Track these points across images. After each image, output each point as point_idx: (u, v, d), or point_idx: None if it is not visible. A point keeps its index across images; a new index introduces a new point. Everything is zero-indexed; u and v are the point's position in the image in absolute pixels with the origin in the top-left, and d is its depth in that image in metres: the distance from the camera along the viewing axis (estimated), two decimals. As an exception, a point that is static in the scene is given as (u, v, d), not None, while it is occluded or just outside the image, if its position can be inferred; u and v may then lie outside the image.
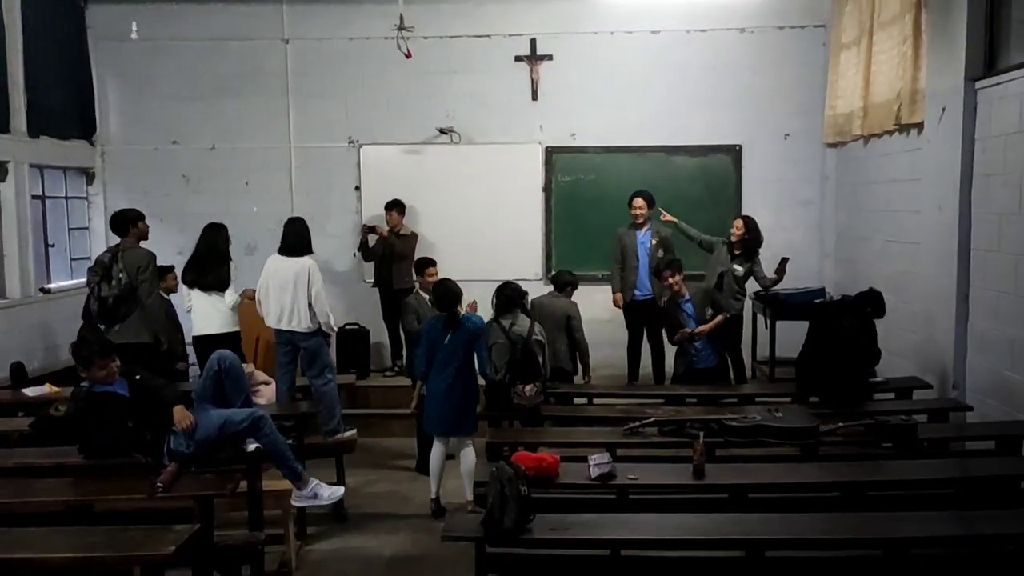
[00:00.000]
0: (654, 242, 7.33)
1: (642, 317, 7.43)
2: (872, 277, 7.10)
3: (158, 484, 4.23)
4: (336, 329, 6.34)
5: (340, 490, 5.03)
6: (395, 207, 7.97)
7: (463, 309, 5.82)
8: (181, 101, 8.58)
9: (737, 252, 7.20)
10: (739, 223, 7.24)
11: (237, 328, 6.53)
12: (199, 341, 6.49)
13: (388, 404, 7.66)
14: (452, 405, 5.62)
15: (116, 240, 6.31)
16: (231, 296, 6.46)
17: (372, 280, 8.16)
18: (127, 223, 6.19)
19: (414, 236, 8.01)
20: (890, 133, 6.90)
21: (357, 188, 8.63)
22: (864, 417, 5.24)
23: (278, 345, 6.24)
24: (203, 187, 8.64)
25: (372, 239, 7.99)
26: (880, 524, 3.89)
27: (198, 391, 4.75)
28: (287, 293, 6.06)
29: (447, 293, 5.72)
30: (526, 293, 6.10)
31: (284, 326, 6.12)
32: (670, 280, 6.49)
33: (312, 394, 6.22)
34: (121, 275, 6.01)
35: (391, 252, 7.87)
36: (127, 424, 4.51)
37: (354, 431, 6.32)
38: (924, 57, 6.23)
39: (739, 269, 7.16)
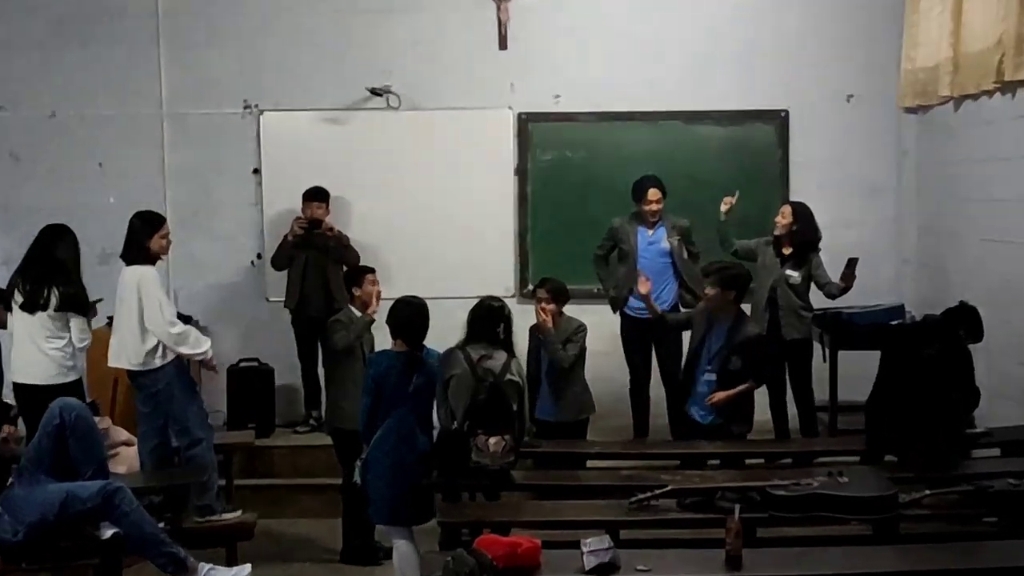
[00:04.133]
0: (675, 243, 7.36)
1: (648, 343, 7.48)
2: (967, 289, 7.15)
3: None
4: (207, 351, 6.25)
5: (246, 569, 5.08)
6: (318, 197, 7.98)
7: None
8: (7, 51, 8.51)
9: (786, 253, 7.24)
10: (786, 210, 7.31)
11: (77, 376, 6.39)
12: (22, 391, 6.38)
13: (301, 472, 7.63)
14: (410, 479, 5.61)
15: None
16: (80, 331, 6.36)
17: (284, 299, 8.11)
18: None
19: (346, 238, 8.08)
20: (990, 94, 6.96)
21: (256, 171, 8.61)
22: (959, 482, 5.25)
23: (135, 394, 6.26)
24: (39, 169, 8.58)
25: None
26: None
27: (30, 456, 4.69)
28: (119, 316, 6.12)
29: (416, 315, 5.75)
30: (511, 313, 6.07)
31: (120, 364, 6.16)
32: (709, 292, 6.50)
33: (183, 460, 6.22)
34: None
35: (319, 260, 7.86)
36: None
37: (238, 512, 6.28)
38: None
39: (794, 275, 7.19)
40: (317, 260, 7.91)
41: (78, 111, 8.56)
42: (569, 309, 6.79)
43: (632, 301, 7.44)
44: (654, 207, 7.41)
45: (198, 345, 6.17)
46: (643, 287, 6.91)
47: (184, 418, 6.16)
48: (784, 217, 7.25)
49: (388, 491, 5.65)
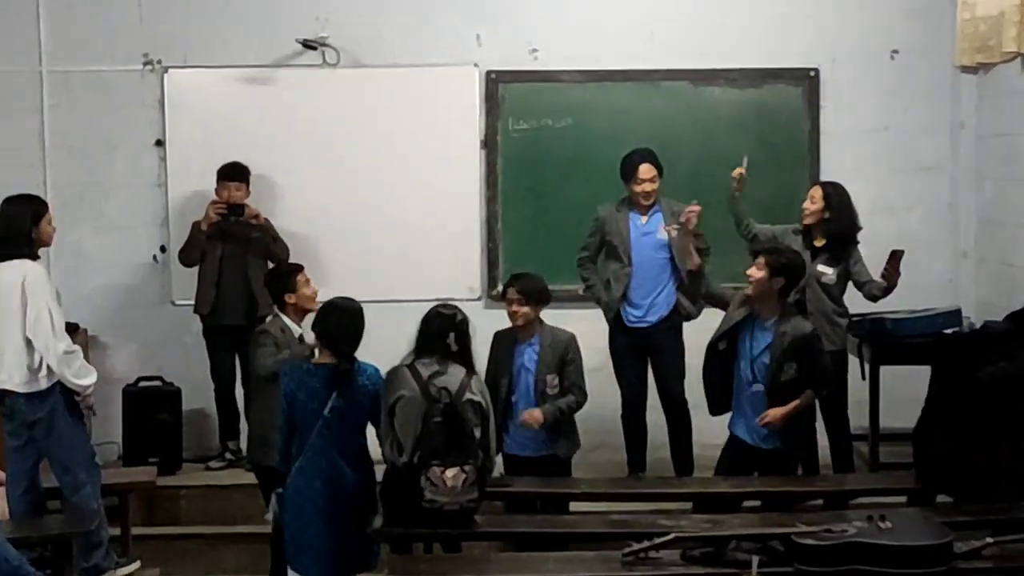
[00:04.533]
0: (674, 231, 7.35)
1: (644, 359, 7.51)
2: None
3: None
4: (89, 386, 6.20)
5: None
6: (236, 175, 7.99)
7: None
8: None
9: (818, 245, 7.27)
10: (816, 193, 7.32)
11: None
12: None
13: (215, 518, 7.63)
14: (336, 523, 5.60)
15: None
16: None
17: (192, 302, 8.09)
18: None
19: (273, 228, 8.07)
20: (1067, 49, 7.06)
21: (159, 143, 8.58)
22: (1029, 528, 5.29)
23: (4, 423, 6.23)
24: None
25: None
26: None
27: None
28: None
29: (346, 321, 5.79)
30: (466, 321, 6.08)
31: None
32: (755, 274, 6.39)
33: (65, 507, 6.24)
34: None
35: (239, 254, 7.88)
36: None
37: (136, 564, 6.30)
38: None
39: (828, 273, 7.20)
40: (236, 254, 7.90)
41: (-63, 68, 8.53)
42: (549, 315, 6.79)
43: (627, 308, 7.45)
44: (647, 187, 7.40)
45: (82, 375, 6.13)
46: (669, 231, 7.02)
47: (68, 456, 6.15)
48: (814, 202, 7.26)
49: (309, 538, 5.66)
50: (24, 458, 6.19)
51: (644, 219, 7.46)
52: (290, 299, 6.66)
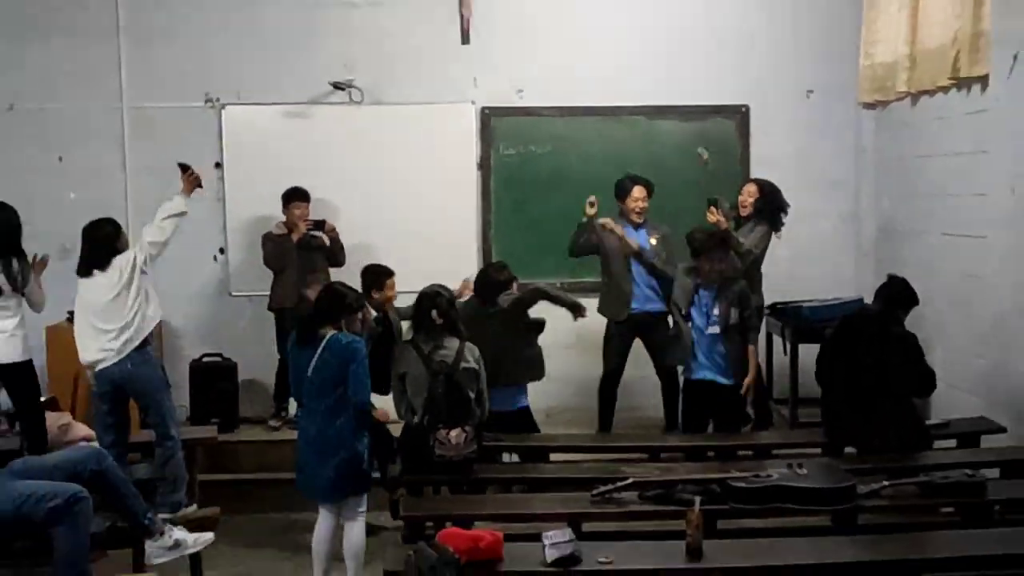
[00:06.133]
0: (654, 241, 7.37)
1: (630, 341, 7.51)
2: (926, 283, 7.21)
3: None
4: (179, 207, 6.33)
5: (208, 536, 5.41)
6: (302, 196, 7.89)
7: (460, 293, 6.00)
8: (-35, 43, 8.40)
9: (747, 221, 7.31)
10: (751, 188, 7.34)
11: (28, 356, 6.29)
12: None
13: (265, 467, 7.61)
14: (324, 457, 5.59)
15: None
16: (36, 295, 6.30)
17: (247, 293, 7.98)
18: None
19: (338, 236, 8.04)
20: (945, 90, 7.06)
21: (218, 165, 8.54)
22: (917, 473, 5.30)
23: (98, 394, 6.16)
24: (-4, 163, 8.47)
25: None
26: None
27: (15, 466, 4.85)
28: (112, 311, 6.01)
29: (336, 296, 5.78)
30: (443, 297, 6.08)
31: (99, 357, 6.04)
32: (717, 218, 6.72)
33: (156, 455, 6.16)
34: None
35: (312, 258, 7.83)
36: None
37: (193, 506, 6.29)
38: (990, -12, 6.39)
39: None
40: (312, 260, 7.84)
41: (37, 104, 8.44)
42: (536, 308, 6.79)
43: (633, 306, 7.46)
44: (640, 205, 7.44)
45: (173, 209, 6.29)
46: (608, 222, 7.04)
47: (163, 411, 6.17)
48: (750, 195, 7.28)
49: (304, 466, 5.70)
50: (119, 417, 6.19)
51: (636, 232, 7.48)
52: (375, 294, 6.61)
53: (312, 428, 5.64)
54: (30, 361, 6.25)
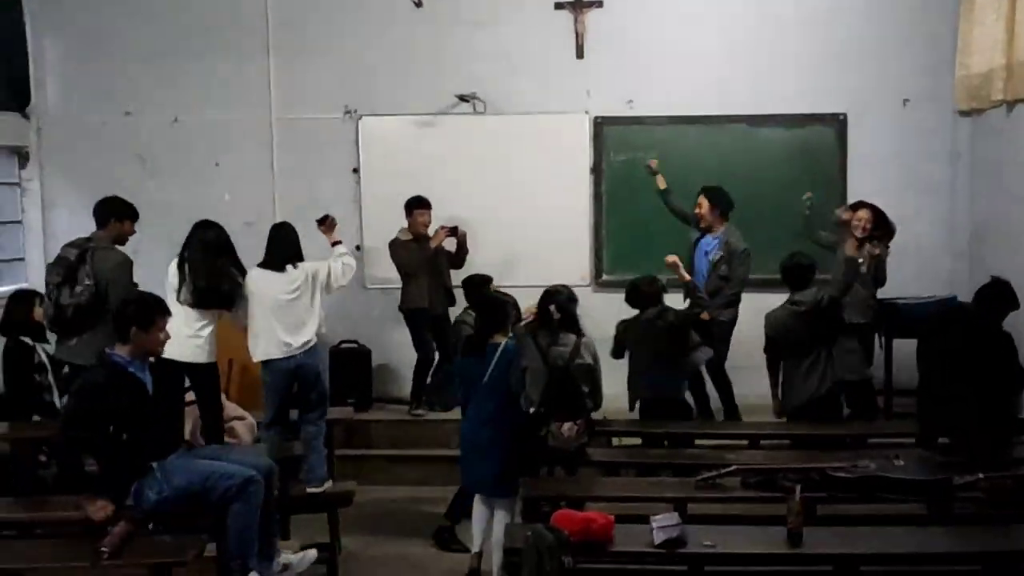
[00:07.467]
0: (718, 257, 7.20)
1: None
2: (1019, 284, 6.93)
3: (103, 549, 4.26)
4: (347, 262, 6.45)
5: (312, 553, 5.39)
6: (426, 204, 7.87)
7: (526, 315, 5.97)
8: (136, 63, 8.64)
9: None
10: (863, 214, 7.02)
11: (214, 359, 6.22)
12: (161, 364, 6.39)
13: (397, 444, 7.74)
14: (488, 456, 5.59)
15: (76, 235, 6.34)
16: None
17: (403, 301, 7.89)
18: (108, 214, 6.24)
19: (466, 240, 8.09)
20: (1041, 98, 6.80)
21: (355, 170, 8.66)
22: (1013, 466, 5.14)
23: (272, 382, 6.15)
24: (162, 169, 8.69)
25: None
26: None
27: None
28: (289, 309, 6.09)
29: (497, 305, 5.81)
30: (564, 295, 6.01)
31: (284, 352, 6.06)
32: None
33: (301, 435, 6.21)
34: (88, 280, 5.97)
35: (441, 260, 7.86)
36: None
37: (330, 481, 6.22)
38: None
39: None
40: (441, 263, 7.88)
41: (197, 116, 8.67)
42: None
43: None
44: (697, 211, 7.37)
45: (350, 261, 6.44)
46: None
47: (325, 392, 6.34)
48: (866, 221, 6.97)
49: (467, 463, 5.75)
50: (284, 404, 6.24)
51: (704, 241, 7.38)
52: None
53: (484, 431, 5.63)
54: (215, 364, 6.20)
